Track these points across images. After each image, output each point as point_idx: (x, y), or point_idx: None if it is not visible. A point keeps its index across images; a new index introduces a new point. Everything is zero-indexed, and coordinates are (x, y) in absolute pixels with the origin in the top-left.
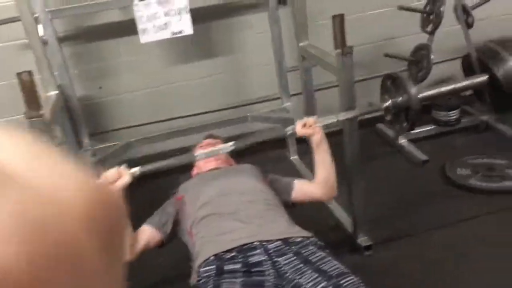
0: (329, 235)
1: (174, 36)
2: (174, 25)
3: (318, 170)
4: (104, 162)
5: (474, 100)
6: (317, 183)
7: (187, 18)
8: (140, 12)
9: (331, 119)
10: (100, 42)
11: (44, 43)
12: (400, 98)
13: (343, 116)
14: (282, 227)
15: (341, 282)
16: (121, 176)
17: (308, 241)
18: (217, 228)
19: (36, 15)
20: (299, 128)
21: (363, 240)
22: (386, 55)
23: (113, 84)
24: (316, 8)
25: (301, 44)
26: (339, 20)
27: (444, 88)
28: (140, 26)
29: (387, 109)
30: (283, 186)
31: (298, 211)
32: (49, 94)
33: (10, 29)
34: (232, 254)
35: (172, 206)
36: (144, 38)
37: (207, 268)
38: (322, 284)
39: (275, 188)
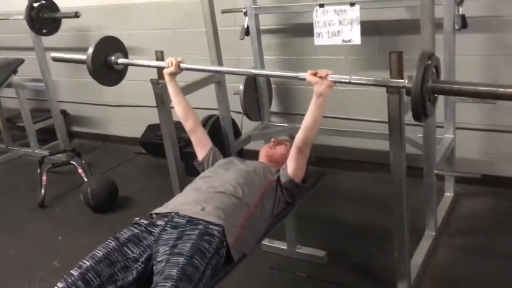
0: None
1: (344, 43)
2: (345, 34)
3: (306, 116)
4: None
5: None
6: (300, 130)
7: (357, 29)
8: (318, 18)
9: (345, 79)
10: (301, 38)
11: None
12: None
13: (356, 79)
14: (204, 210)
15: (170, 258)
16: (172, 65)
17: (201, 226)
18: (181, 196)
19: (244, 10)
20: (309, 75)
21: None
22: None
23: None
24: None
25: None
26: (396, 57)
27: None
28: (316, 30)
29: None
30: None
31: None
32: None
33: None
34: (156, 216)
35: (218, 155)
36: (317, 41)
37: (138, 218)
38: (163, 257)
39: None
